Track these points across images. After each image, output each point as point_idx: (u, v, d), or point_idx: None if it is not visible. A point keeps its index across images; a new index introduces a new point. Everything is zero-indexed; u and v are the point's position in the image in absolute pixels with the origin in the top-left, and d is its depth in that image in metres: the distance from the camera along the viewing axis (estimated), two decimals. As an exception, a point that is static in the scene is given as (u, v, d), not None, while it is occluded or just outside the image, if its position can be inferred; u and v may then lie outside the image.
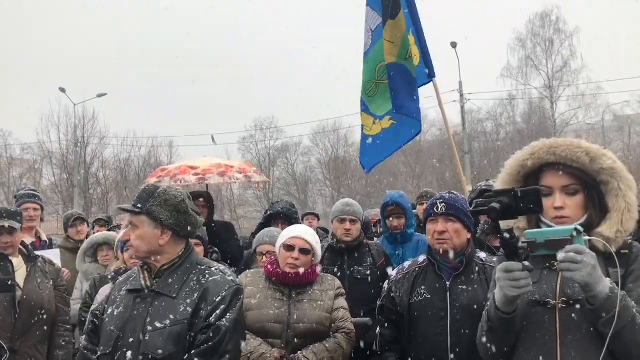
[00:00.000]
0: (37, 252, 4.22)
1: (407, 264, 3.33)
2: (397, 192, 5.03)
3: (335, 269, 4.06)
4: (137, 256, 2.57)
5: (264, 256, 3.86)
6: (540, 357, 2.04)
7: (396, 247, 4.68)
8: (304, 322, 3.21)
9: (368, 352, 3.45)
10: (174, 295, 2.46)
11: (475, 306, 2.83)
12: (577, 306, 1.99)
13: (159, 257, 2.54)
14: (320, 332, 3.23)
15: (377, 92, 5.60)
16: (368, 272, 4.10)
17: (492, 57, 57.22)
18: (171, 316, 2.42)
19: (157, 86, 51.02)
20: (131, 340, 2.42)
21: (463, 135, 27.32)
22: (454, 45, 25.39)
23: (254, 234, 5.36)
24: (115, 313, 2.54)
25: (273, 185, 36.02)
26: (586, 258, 1.84)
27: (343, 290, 3.47)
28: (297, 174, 38.30)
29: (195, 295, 2.45)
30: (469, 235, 3.13)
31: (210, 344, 2.38)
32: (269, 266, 3.36)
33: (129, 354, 2.40)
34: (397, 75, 5.29)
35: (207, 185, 6.72)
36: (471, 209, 2.05)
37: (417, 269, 3.19)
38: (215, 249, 4.67)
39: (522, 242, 1.97)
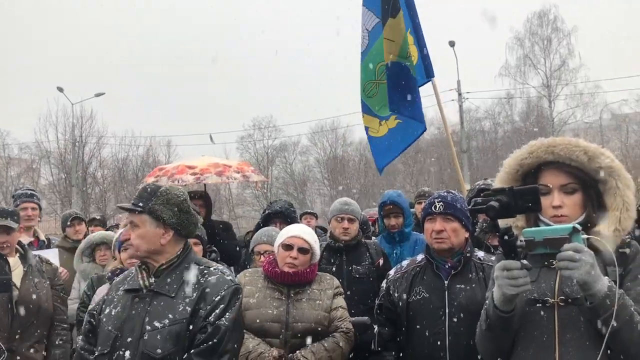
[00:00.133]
0: (36, 252, 4.22)
1: (405, 263, 3.33)
2: (395, 191, 5.05)
3: (334, 268, 4.05)
4: (136, 255, 2.56)
5: (262, 256, 3.85)
6: (539, 356, 2.04)
7: (394, 246, 4.68)
8: (302, 322, 3.20)
9: (367, 352, 3.45)
10: (173, 295, 2.46)
11: (473, 305, 2.83)
12: (576, 305, 1.99)
13: (158, 256, 2.54)
14: (318, 331, 3.23)
15: (378, 93, 5.58)
16: (366, 271, 4.10)
17: (490, 56, 57.34)
18: (170, 315, 2.41)
19: (156, 86, 50.99)
20: (129, 340, 2.42)
21: (461, 134, 27.35)
22: (452, 44, 25.40)
23: (249, 233, 5.37)
24: (113, 313, 2.53)
25: (271, 184, 35.99)
26: (584, 256, 1.84)
27: (342, 290, 3.47)
28: (295, 173, 38.30)
29: (195, 294, 2.45)
30: (467, 234, 3.13)
31: (209, 343, 2.38)
32: (268, 265, 3.36)
33: (127, 353, 2.39)
34: (395, 75, 5.27)
35: (204, 184, 6.71)
36: (470, 207, 2.05)
37: (415, 268, 3.19)
38: (214, 248, 4.67)
39: (521, 241, 1.97)
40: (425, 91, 5.61)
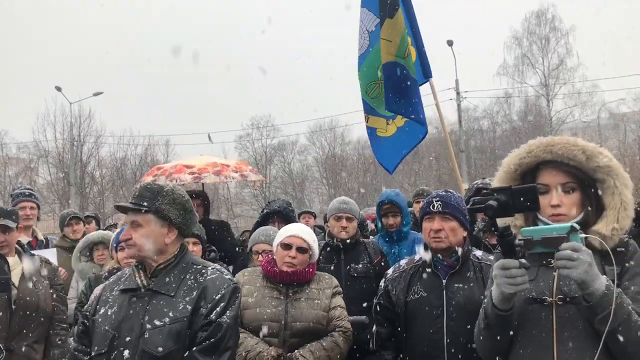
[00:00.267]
0: (34, 252, 4.21)
1: (403, 262, 3.33)
2: (393, 190, 5.03)
3: (332, 267, 4.05)
4: (138, 255, 2.55)
5: (260, 255, 3.85)
6: (537, 354, 2.05)
7: (392, 245, 4.69)
8: (301, 321, 3.21)
9: (364, 351, 3.46)
10: (173, 294, 2.46)
11: (471, 304, 2.83)
12: (574, 304, 1.99)
13: (158, 256, 2.54)
14: (317, 330, 3.23)
15: (381, 93, 5.57)
16: (364, 270, 4.10)
17: (488, 55, 57.31)
18: (170, 314, 2.42)
19: (156, 86, 50.93)
20: (128, 339, 2.42)
21: (459, 133, 27.39)
22: (450, 43, 25.41)
23: (245, 232, 5.37)
24: (109, 313, 2.52)
25: (270, 183, 35.99)
26: (582, 255, 1.85)
27: (340, 289, 3.47)
28: (293, 173, 38.28)
29: (194, 293, 2.46)
30: (465, 234, 3.13)
31: (212, 340, 2.39)
32: (267, 265, 3.36)
33: (126, 352, 2.39)
34: (391, 75, 5.24)
35: (202, 184, 6.71)
36: (468, 206, 2.05)
37: (413, 267, 3.20)
38: (213, 247, 4.67)
39: (519, 240, 1.98)
40: (423, 90, 5.62)
